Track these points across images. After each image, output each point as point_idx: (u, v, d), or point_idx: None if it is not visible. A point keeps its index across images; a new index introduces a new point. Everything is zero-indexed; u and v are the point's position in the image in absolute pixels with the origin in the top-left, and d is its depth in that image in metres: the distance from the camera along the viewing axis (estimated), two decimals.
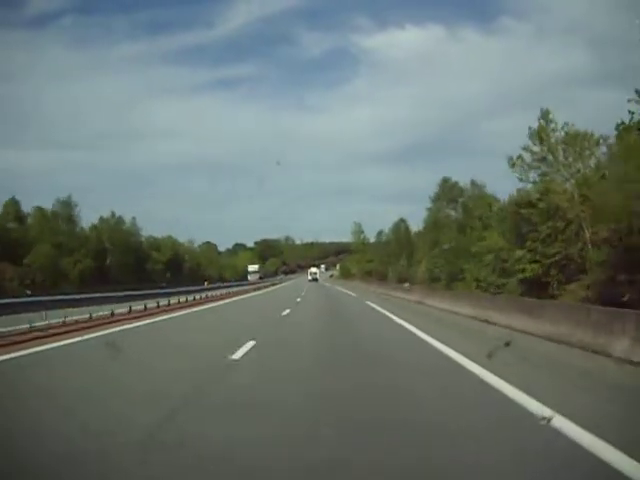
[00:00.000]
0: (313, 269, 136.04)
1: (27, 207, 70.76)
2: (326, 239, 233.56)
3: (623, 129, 28.82)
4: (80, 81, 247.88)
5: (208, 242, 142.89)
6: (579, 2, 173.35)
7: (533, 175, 36.45)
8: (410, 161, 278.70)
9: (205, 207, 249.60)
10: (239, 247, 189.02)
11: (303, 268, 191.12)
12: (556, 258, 31.93)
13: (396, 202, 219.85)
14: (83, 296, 23.97)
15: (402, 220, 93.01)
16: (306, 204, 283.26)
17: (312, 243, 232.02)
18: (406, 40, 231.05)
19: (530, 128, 35.72)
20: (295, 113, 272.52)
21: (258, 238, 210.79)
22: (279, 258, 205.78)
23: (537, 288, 31.01)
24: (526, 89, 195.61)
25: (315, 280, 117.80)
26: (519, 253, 33.88)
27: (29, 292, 31.27)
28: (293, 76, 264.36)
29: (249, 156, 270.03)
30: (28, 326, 15.21)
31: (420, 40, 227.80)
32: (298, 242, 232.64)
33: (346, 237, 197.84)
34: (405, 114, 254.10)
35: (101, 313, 20.66)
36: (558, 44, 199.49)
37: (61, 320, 17.27)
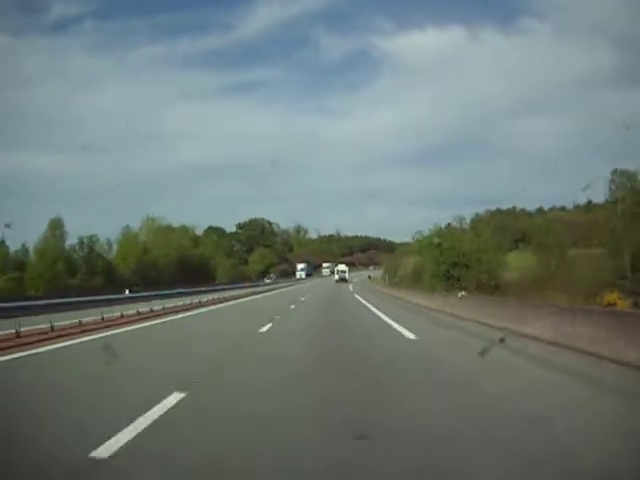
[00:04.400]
0: (341, 266, 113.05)
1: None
2: (348, 232, 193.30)
3: None
4: (100, 85, 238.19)
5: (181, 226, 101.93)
6: (601, 2, 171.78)
7: None
8: (432, 163, 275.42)
9: (218, 209, 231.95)
10: (218, 233, 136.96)
11: (317, 268, 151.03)
12: None
13: (418, 205, 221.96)
14: None
15: None
16: (325, 207, 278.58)
17: (331, 236, 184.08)
18: (427, 42, 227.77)
19: None
20: (316, 116, 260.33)
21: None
22: (272, 250, 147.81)
23: None
24: (548, 90, 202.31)
25: (344, 280, 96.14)
26: None
27: None
28: (314, 79, 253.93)
29: (268, 159, 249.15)
30: None
31: (441, 42, 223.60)
32: (314, 236, 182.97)
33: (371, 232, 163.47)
34: (427, 116, 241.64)
35: None
36: (580, 44, 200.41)
37: None
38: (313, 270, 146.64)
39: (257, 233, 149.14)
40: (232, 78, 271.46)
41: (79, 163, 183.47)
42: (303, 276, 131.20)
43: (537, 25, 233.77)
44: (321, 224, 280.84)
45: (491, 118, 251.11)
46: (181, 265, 75.22)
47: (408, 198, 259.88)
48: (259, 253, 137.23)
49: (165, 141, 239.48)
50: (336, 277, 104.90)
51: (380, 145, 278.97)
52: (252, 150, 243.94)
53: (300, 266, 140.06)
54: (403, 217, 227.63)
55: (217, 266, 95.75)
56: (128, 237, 74.48)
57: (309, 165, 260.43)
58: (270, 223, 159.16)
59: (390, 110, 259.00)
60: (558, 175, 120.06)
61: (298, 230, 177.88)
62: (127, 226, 77.45)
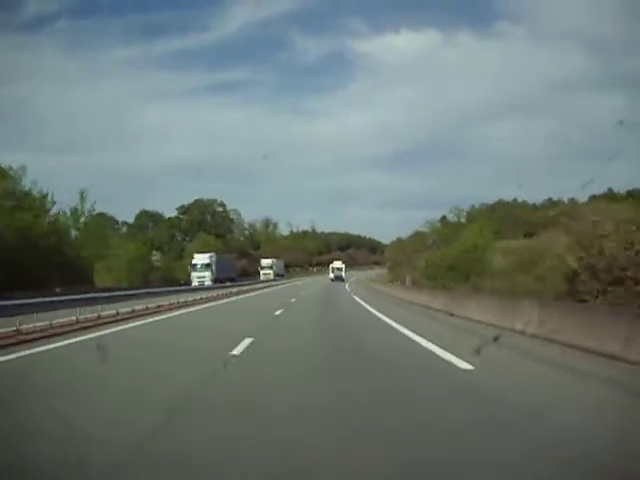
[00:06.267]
0: (337, 263, 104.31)
1: None
2: (325, 228, 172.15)
3: None
4: (75, 85, 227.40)
5: (102, 214, 73.70)
6: (576, 6, 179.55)
7: None
8: (409, 165, 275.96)
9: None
10: (154, 218, 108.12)
11: (290, 269, 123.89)
12: None
13: (395, 206, 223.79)
14: None
15: None
16: (300, 206, 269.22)
17: (305, 232, 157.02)
18: (402, 44, 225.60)
19: None
20: (291, 117, 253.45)
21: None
22: (226, 240, 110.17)
23: None
24: (523, 93, 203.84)
25: (340, 279, 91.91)
26: None
27: None
28: (289, 80, 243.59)
29: (242, 159, 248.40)
30: None
31: (416, 44, 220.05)
32: (286, 232, 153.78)
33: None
34: (402, 118, 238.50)
35: None
36: (555, 48, 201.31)
37: None
38: (234, 269, 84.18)
39: (204, 218, 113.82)
40: (208, 78, 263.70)
41: (57, 161, 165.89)
42: (206, 282, 62.05)
43: (513, 29, 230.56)
44: (295, 221, 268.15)
45: (467, 121, 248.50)
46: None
47: (385, 199, 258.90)
48: (202, 241, 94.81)
49: (143, 140, 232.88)
50: (331, 275, 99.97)
51: (356, 146, 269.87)
52: (228, 149, 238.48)
53: (198, 260, 68.22)
54: (380, 218, 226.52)
55: (98, 259, 56.23)
56: None
57: (286, 164, 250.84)
58: (224, 206, 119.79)
59: (367, 112, 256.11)
60: (535, 178, 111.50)
61: (267, 224, 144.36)
62: None
